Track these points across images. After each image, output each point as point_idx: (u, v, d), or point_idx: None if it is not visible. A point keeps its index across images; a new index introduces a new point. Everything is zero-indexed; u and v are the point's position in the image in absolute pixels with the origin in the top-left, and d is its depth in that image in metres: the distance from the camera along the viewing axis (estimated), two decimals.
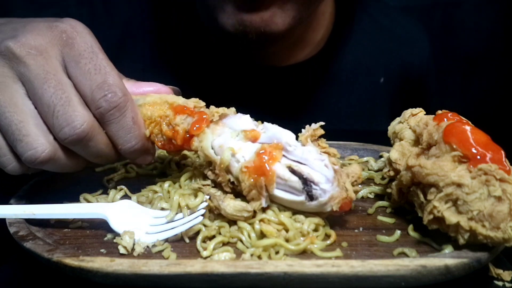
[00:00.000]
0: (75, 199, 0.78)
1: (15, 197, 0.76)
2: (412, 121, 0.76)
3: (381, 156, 0.94)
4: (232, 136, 0.70)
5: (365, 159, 0.95)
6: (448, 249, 0.60)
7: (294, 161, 0.66)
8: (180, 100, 0.73)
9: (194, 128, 0.70)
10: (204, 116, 0.70)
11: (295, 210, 0.68)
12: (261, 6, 1.00)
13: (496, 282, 0.63)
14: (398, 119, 0.81)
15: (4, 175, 0.74)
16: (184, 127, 0.70)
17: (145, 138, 0.71)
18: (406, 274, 0.55)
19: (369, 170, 0.90)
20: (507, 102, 1.53)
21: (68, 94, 0.65)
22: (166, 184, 0.75)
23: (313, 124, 0.71)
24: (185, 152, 0.87)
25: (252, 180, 0.65)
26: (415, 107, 0.80)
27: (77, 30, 0.68)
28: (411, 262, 0.55)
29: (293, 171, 0.65)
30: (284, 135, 0.68)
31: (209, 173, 0.72)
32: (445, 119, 0.68)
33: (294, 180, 0.65)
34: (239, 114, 0.73)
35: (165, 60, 1.26)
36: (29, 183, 0.80)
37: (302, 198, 0.65)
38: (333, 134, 1.04)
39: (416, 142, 0.72)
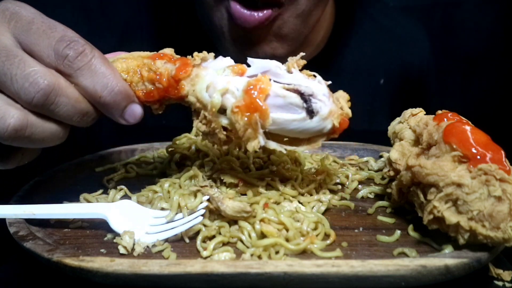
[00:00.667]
0: (75, 199, 0.78)
1: (15, 197, 0.76)
2: (412, 121, 0.76)
3: (381, 156, 0.94)
4: (219, 74, 0.67)
5: (365, 159, 0.95)
6: (448, 249, 0.60)
7: (287, 79, 0.65)
8: (147, 53, 0.70)
9: (181, 73, 0.66)
10: (187, 60, 0.68)
11: (294, 138, 0.66)
12: (260, 41, 1.01)
13: (496, 282, 0.63)
14: (398, 119, 0.81)
15: (4, 175, 0.74)
16: (167, 68, 0.67)
17: (124, 81, 0.66)
18: (406, 274, 0.55)
19: (369, 170, 0.90)
20: (507, 102, 1.53)
21: (22, 56, 0.61)
22: (166, 184, 0.75)
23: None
24: (185, 152, 0.87)
25: (246, 118, 0.63)
26: (415, 107, 0.80)
27: (19, 4, 0.65)
28: (411, 262, 0.55)
29: (289, 90, 0.64)
30: (272, 62, 0.66)
31: (200, 125, 0.69)
32: (445, 119, 0.68)
33: (293, 96, 0.63)
34: (220, 57, 0.70)
35: None
36: (29, 183, 0.80)
37: (303, 115, 0.63)
38: None
39: (416, 142, 0.72)
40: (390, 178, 0.77)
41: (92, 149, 0.95)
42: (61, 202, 0.74)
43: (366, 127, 1.32)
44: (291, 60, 0.68)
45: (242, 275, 0.55)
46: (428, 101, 1.40)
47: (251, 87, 0.63)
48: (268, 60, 0.68)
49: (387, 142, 0.84)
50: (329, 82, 0.69)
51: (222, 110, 0.66)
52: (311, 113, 0.63)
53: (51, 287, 0.65)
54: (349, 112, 0.66)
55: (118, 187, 0.80)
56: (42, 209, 0.68)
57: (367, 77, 1.31)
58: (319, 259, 0.60)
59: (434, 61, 1.40)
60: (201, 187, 0.70)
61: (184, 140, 0.91)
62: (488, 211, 0.57)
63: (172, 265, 0.56)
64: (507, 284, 0.62)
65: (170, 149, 0.89)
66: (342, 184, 0.84)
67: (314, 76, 0.68)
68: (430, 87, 1.42)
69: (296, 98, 0.63)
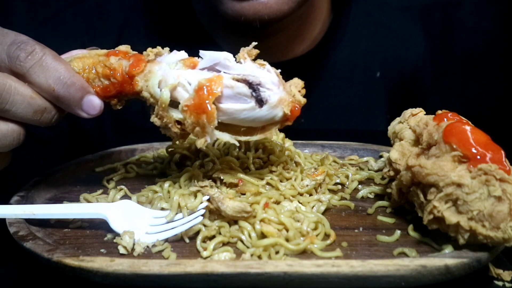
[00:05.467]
0: (75, 199, 0.78)
1: (15, 197, 0.76)
2: (412, 121, 0.76)
3: (381, 156, 0.94)
4: (171, 67, 0.68)
5: (365, 159, 0.95)
6: (448, 249, 0.60)
7: (236, 71, 0.66)
8: (103, 51, 0.71)
9: (134, 69, 0.67)
10: (140, 56, 0.69)
11: (249, 127, 0.67)
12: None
13: (496, 282, 0.63)
14: (398, 119, 0.81)
15: (4, 175, 0.74)
16: (121, 64, 0.68)
17: (77, 74, 0.66)
18: (406, 274, 0.55)
19: (369, 170, 0.90)
20: (507, 102, 1.53)
21: None
22: (166, 184, 0.75)
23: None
24: (185, 152, 0.87)
25: (193, 118, 0.64)
26: (411, 103, 0.80)
27: None
28: (411, 262, 0.56)
29: (238, 80, 0.65)
30: (221, 54, 0.67)
31: (155, 120, 0.69)
32: (445, 119, 0.68)
33: (240, 86, 0.64)
34: (174, 51, 0.71)
35: None
36: (29, 183, 0.80)
37: (252, 104, 0.64)
38: (333, 134, 1.04)
39: (416, 142, 0.72)
40: (390, 178, 0.76)
41: (92, 149, 0.95)
42: (61, 202, 0.74)
43: (363, 122, 1.32)
44: (242, 50, 0.69)
45: (242, 275, 0.55)
46: (425, 97, 1.40)
47: (204, 87, 0.64)
48: (218, 52, 0.68)
49: (387, 142, 0.84)
50: (279, 70, 0.69)
51: (176, 104, 0.67)
52: (260, 102, 0.64)
53: (51, 287, 0.65)
54: (302, 99, 0.67)
55: (118, 187, 0.80)
56: (42, 209, 0.68)
57: (363, 71, 1.32)
58: (319, 259, 0.60)
59: (434, 60, 1.40)
60: (201, 187, 0.70)
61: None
62: (488, 211, 0.57)
63: (172, 265, 0.56)
64: (507, 284, 0.62)
65: (170, 149, 0.89)
66: (342, 184, 0.84)
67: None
68: (426, 83, 1.42)
69: (244, 88, 0.64)
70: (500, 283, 0.63)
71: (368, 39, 1.32)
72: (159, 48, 0.71)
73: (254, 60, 0.69)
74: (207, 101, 0.63)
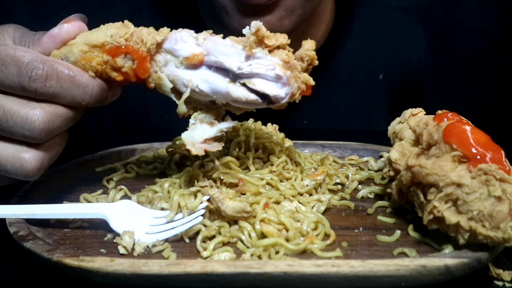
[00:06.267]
0: (75, 199, 0.78)
1: (15, 197, 0.76)
2: (412, 121, 0.76)
3: (381, 156, 0.94)
4: (177, 65, 0.69)
5: (365, 159, 0.95)
6: (448, 249, 0.60)
7: (246, 76, 0.67)
8: (100, 34, 0.70)
9: (141, 74, 0.69)
10: (143, 55, 0.68)
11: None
12: (266, 11, 1.00)
13: (496, 282, 0.63)
14: (398, 119, 0.81)
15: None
16: (130, 65, 0.69)
17: (94, 78, 0.69)
18: (406, 274, 0.55)
19: (369, 170, 0.90)
20: (507, 102, 1.53)
21: (4, 105, 0.63)
22: (166, 184, 0.75)
23: (251, 27, 0.67)
24: (185, 152, 0.88)
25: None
26: (414, 105, 0.80)
27: None
28: (411, 262, 0.56)
29: (248, 89, 0.67)
30: (228, 59, 0.67)
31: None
32: (445, 119, 0.68)
33: (253, 98, 0.67)
34: (173, 35, 0.69)
35: None
36: (29, 183, 0.80)
37: (264, 106, 0.68)
38: (333, 134, 1.04)
39: (416, 142, 0.72)
40: (390, 178, 0.77)
41: (92, 149, 0.95)
42: (61, 202, 0.74)
43: (366, 124, 1.32)
44: (248, 38, 0.67)
45: (242, 275, 0.55)
46: (427, 100, 1.40)
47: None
48: (223, 49, 0.67)
49: (387, 142, 0.84)
50: (288, 43, 0.68)
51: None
52: (271, 102, 0.68)
53: (51, 287, 0.65)
54: (311, 81, 0.68)
55: (118, 187, 0.80)
56: (42, 209, 0.68)
57: (366, 73, 1.32)
58: (319, 259, 0.60)
59: (434, 60, 1.41)
60: (201, 187, 0.70)
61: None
62: (488, 211, 0.57)
63: (172, 265, 0.56)
64: (507, 284, 0.62)
65: (170, 149, 0.89)
66: (342, 184, 0.84)
67: (278, 47, 0.68)
68: (428, 85, 1.43)
69: (257, 100, 0.67)
70: (500, 283, 0.63)
71: (371, 41, 1.32)
72: (157, 34, 0.69)
73: (261, 40, 0.67)
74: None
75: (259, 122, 0.90)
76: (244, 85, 0.67)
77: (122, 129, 1.31)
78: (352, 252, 0.63)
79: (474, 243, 0.59)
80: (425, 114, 0.77)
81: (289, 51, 0.68)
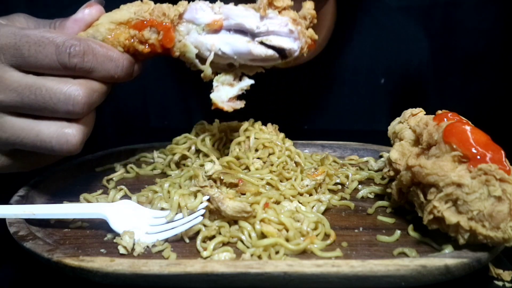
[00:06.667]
0: (75, 199, 0.78)
1: (15, 197, 0.76)
2: (412, 121, 0.76)
3: (381, 156, 0.94)
4: (199, 32, 0.74)
5: (365, 159, 0.95)
6: (448, 249, 0.60)
7: (263, 34, 0.73)
8: (124, 12, 0.75)
9: (167, 44, 0.74)
10: (168, 25, 0.74)
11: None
12: None
13: (496, 282, 0.63)
14: (398, 119, 0.81)
15: (4, 175, 0.74)
16: (156, 37, 0.75)
17: (124, 53, 0.74)
18: (406, 274, 0.55)
19: (369, 170, 0.90)
20: (507, 102, 1.53)
21: (43, 84, 0.66)
22: (166, 184, 0.75)
23: None
24: (185, 152, 0.88)
25: None
26: (414, 105, 0.80)
27: None
28: (411, 262, 0.56)
29: (266, 46, 0.74)
30: (246, 20, 0.73)
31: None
32: (445, 119, 0.68)
33: (271, 53, 0.74)
34: (193, 5, 0.75)
35: (168, 63, 1.26)
36: (29, 183, 0.80)
37: (278, 61, 0.75)
38: (333, 134, 1.04)
39: (416, 142, 0.72)
40: (390, 178, 0.76)
41: (92, 149, 0.95)
42: (61, 202, 0.74)
43: (367, 126, 1.32)
44: (261, 1, 0.73)
45: (242, 275, 0.55)
46: (428, 101, 1.40)
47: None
48: (241, 13, 0.73)
49: (387, 142, 0.84)
50: (287, 18, 0.74)
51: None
52: (284, 56, 0.75)
53: (51, 287, 0.65)
54: (316, 37, 0.75)
55: (118, 187, 0.80)
56: (42, 209, 0.68)
57: (368, 76, 1.32)
58: (319, 259, 0.60)
59: (434, 61, 1.40)
60: (201, 187, 0.70)
61: (184, 140, 0.91)
62: (488, 211, 0.57)
63: (172, 265, 0.56)
64: (507, 284, 0.62)
65: (170, 149, 0.89)
66: (342, 184, 0.84)
67: (285, 8, 0.75)
68: (429, 86, 1.42)
69: (274, 54, 0.74)
70: (500, 283, 0.63)
71: (373, 43, 1.31)
72: (178, 5, 0.75)
73: (270, 3, 0.73)
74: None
75: (259, 122, 0.90)
76: (261, 43, 0.73)
77: (122, 129, 1.31)
78: (352, 252, 0.63)
79: (474, 243, 0.59)
80: (425, 114, 0.76)
81: (295, 14, 0.75)
